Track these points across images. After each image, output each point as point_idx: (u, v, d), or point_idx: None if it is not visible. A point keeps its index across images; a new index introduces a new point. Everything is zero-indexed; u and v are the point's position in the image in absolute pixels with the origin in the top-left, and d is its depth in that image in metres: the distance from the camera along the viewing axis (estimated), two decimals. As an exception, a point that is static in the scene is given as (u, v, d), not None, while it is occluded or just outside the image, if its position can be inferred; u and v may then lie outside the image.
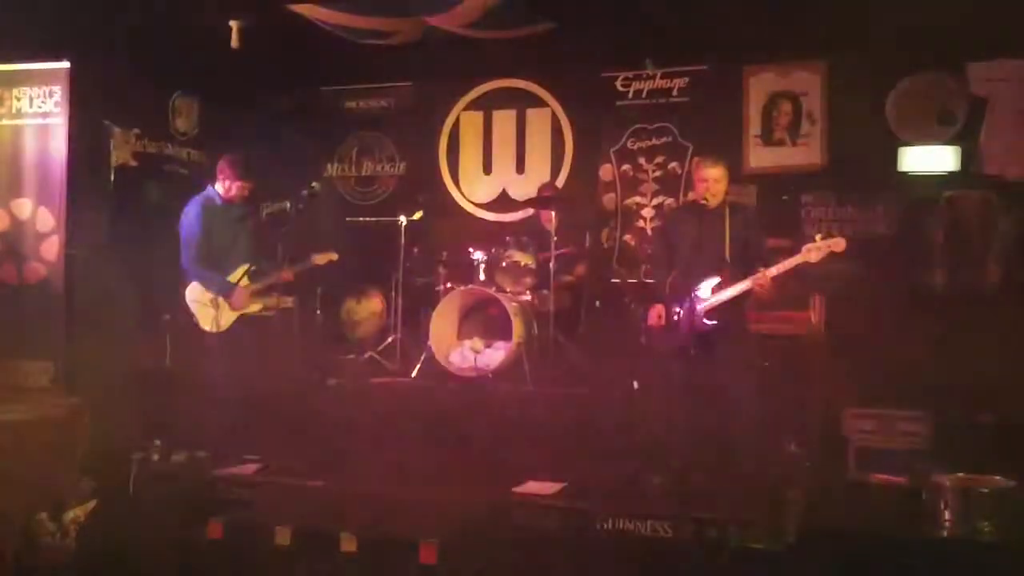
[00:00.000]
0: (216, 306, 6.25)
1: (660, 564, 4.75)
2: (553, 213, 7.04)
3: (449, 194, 8.64)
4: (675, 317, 5.46)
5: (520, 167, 8.46)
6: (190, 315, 6.33)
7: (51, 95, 6.78)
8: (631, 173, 8.11)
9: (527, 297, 7.00)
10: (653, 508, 4.95)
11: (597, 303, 7.29)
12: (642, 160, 8.06)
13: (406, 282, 7.36)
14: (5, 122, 6.89)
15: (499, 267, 7.00)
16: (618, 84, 8.09)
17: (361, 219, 8.59)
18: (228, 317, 6.28)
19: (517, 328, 6.59)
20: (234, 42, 7.22)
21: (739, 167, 7.56)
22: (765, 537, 4.63)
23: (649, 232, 7.98)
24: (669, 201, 7.96)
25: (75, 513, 5.00)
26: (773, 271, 5.21)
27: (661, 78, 7.96)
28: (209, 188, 6.39)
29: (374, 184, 8.84)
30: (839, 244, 5.15)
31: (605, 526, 4.92)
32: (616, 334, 6.86)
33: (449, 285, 7.13)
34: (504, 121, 8.51)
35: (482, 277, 7.01)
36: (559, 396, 6.33)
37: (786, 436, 5.92)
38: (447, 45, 7.44)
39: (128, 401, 6.46)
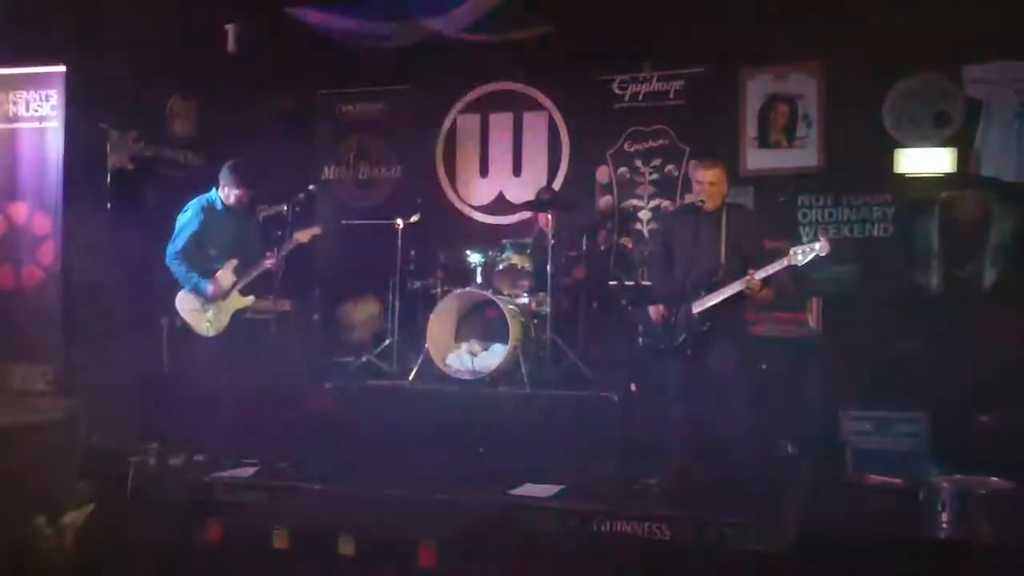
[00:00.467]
0: (208, 310, 6.26)
1: (658, 566, 4.76)
2: (550, 216, 7.05)
3: (446, 197, 8.63)
4: (672, 319, 5.46)
5: (517, 170, 8.47)
6: (185, 322, 6.35)
7: (47, 99, 6.77)
8: (628, 176, 8.11)
9: (524, 300, 7.00)
10: (651, 510, 4.96)
11: (594, 305, 7.30)
12: (639, 163, 8.07)
13: (403, 285, 7.35)
14: (1, 126, 6.88)
15: (496, 270, 7.01)
16: (615, 87, 8.09)
17: (358, 222, 8.58)
18: (222, 319, 6.28)
19: (514, 331, 6.59)
20: (231, 45, 7.23)
21: (736, 169, 7.57)
22: (763, 539, 4.64)
23: (646, 234, 7.99)
24: (666, 204, 7.96)
25: (73, 517, 4.98)
26: (763, 273, 5.22)
27: (657, 81, 7.97)
28: (212, 192, 6.41)
29: (371, 187, 8.84)
30: (824, 249, 5.15)
31: (603, 528, 4.92)
32: (613, 336, 6.87)
33: (446, 288, 7.13)
34: (501, 124, 8.51)
35: (479, 280, 7.01)
36: (556, 398, 6.33)
37: (783, 437, 5.94)
38: (444, 48, 7.45)
39: (125, 405, 6.47)
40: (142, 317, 6.70)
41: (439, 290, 7.17)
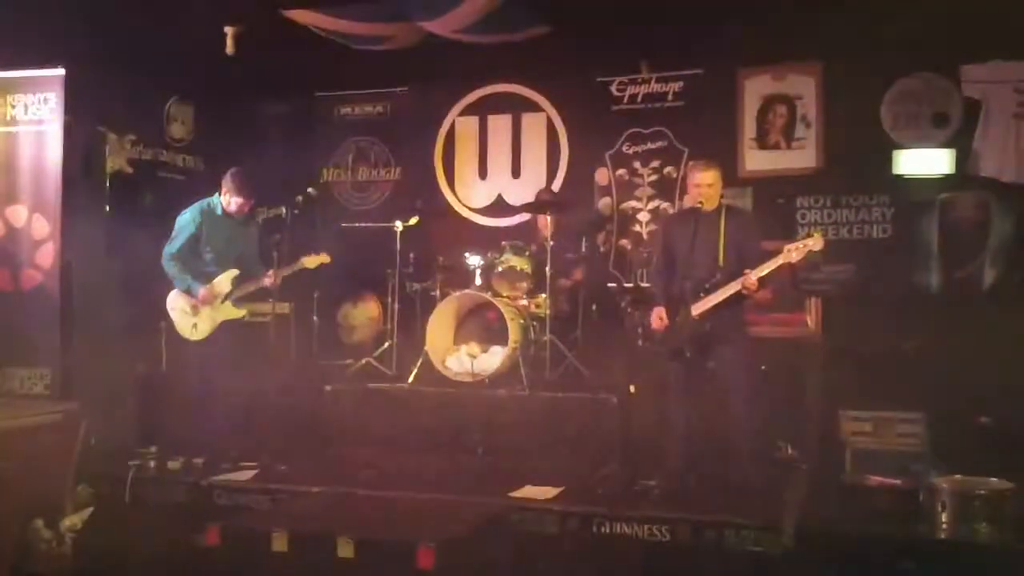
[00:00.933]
0: (195, 313, 6.26)
1: (658, 568, 4.76)
2: (549, 218, 7.05)
3: (445, 199, 8.63)
4: (672, 321, 5.46)
5: (516, 172, 8.47)
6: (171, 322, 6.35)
7: (46, 102, 6.76)
8: (627, 177, 8.11)
9: (524, 301, 7.00)
10: (650, 512, 4.96)
11: (594, 307, 7.29)
12: (637, 164, 8.07)
13: (402, 287, 7.35)
14: (0, 129, 6.88)
15: (495, 272, 7.01)
16: (613, 88, 8.09)
17: (357, 224, 8.58)
18: (208, 325, 6.27)
19: (513, 333, 6.59)
20: (229, 48, 7.22)
21: (734, 171, 7.58)
22: (762, 540, 4.64)
23: (645, 236, 7.98)
24: (665, 205, 7.96)
25: (71, 520, 4.99)
26: (758, 272, 5.22)
27: (656, 82, 7.98)
28: (213, 197, 6.40)
29: (370, 189, 8.84)
30: (818, 242, 5.16)
31: (602, 530, 4.92)
32: (612, 338, 6.87)
33: (446, 290, 7.12)
34: (500, 126, 8.51)
35: (478, 282, 7.01)
36: (556, 400, 6.32)
37: (783, 438, 5.93)
38: (442, 50, 7.44)
39: (124, 408, 6.47)
40: (140, 320, 6.70)
41: (438, 292, 7.17)
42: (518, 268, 6.98)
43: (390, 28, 7.21)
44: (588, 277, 7.33)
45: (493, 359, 6.65)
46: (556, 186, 8.16)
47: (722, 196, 5.63)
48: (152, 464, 5.99)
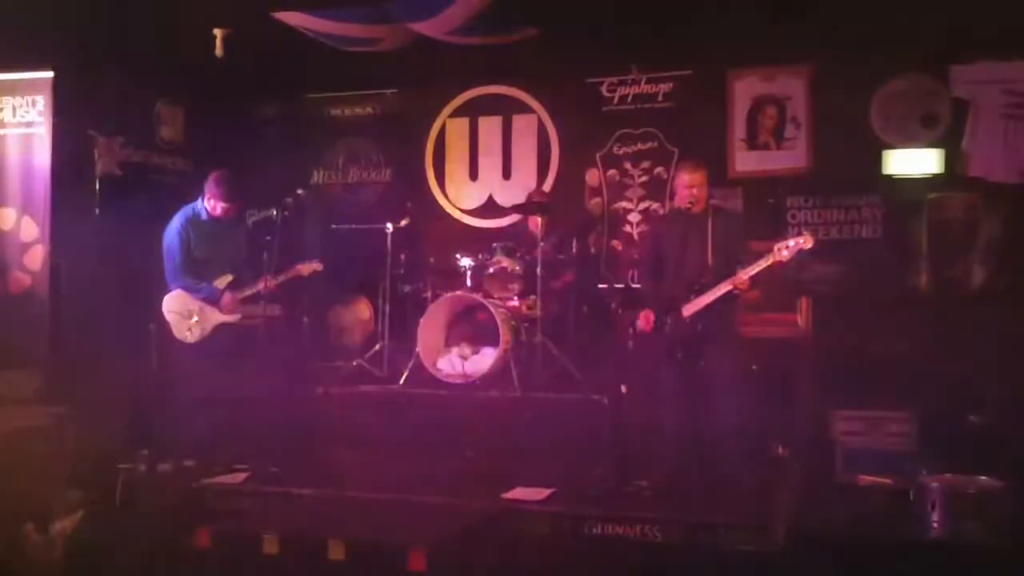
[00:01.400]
0: (191, 316, 6.23)
1: (650, 568, 4.76)
2: (540, 219, 7.05)
3: (436, 200, 8.63)
4: (663, 322, 5.46)
5: (506, 173, 8.47)
6: (166, 324, 6.32)
7: (34, 104, 6.74)
8: (617, 178, 8.12)
9: (515, 303, 7.00)
10: (642, 512, 4.95)
11: (585, 308, 7.29)
12: (628, 165, 8.08)
13: (393, 289, 7.34)
14: (-11, 131, 6.86)
15: (486, 273, 7.01)
16: (603, 89, 8.10)
17: (348, 226, 8.56)
18: (204, 327, 6.25)
19: (505, 334, 6.59)
20: (218, 50, 7.20)
21: (725, 171, 7.59)
22: (754, 540, 4.64)
23: (636, 237, 7.99)
24: (655, 206, 7.97)
25: (62, 524, 4.97)
26: (749, 271, 5.23)
27: (646, 83, 7.99)
28: (197, 202, 6.37)
29: (360, 191, 8.83)
30: (807, 241, 5.17)
31: (594, 531, 4.92)
32: (603, 339, 6.87)
33: (436, 291, 7.12)
34: (490, 127, 8.51)
35: (469, 283, 7.01)
36: (547, 402, 6.32)
37: (774, 438, 5.94)
38: (432, 52, 7.44)
39: (114, 411, 6.43)
40: (130, 323, 6.67)
41: (429, 294, 7.16)
42: (509, 269, 6.98)
43: (380, 30, 7.21)
44: (579, 278, 7.33)
45: (484, 360, 6.65)
46: (547, 187, 8.16)
47: (711, 197, 5.65)
48: (142, 467, 5.96)
